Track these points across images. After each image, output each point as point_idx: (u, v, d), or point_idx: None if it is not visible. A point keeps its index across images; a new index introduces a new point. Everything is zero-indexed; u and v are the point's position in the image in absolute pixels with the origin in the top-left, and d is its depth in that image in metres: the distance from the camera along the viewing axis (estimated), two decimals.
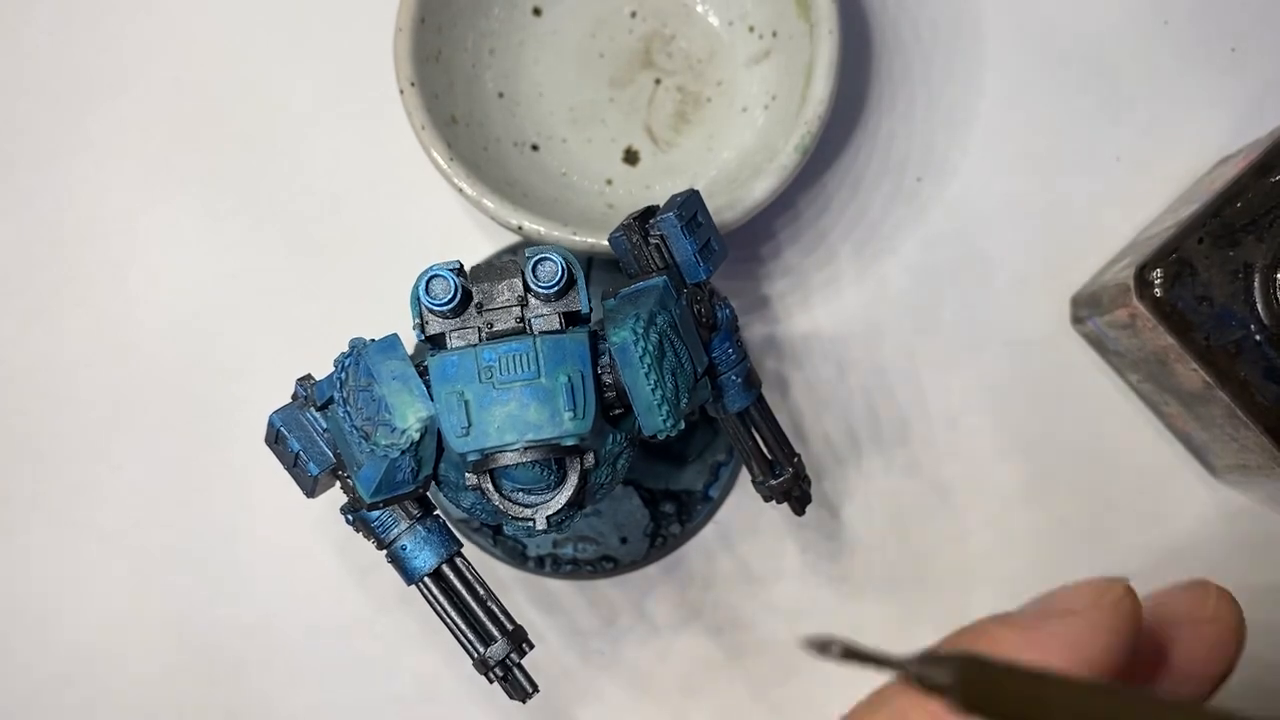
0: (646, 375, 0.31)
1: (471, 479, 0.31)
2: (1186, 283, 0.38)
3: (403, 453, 0.31)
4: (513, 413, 0.30)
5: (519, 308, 0.31)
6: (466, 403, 0.30)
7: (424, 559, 0.33)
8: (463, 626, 0.33)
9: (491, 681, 0.34)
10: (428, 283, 0.31)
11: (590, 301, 0.32)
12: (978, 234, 0.46)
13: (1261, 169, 0.38)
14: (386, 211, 0.47)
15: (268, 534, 0.45)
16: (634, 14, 0.46)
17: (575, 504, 0.31)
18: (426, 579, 0.33)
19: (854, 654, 0.18)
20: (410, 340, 0.37)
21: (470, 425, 0.30)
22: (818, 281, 0.46)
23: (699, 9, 0.46)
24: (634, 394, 0.31)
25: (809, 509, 0.39)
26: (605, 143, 0.45)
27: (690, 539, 0.44)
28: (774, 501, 0.38)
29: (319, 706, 0.45)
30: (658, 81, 0.46)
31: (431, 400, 0.31)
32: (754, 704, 0.44)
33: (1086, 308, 0.43)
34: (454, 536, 0.34)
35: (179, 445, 0.46)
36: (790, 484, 0.37)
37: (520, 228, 0.40)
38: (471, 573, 0.34)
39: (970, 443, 0.45)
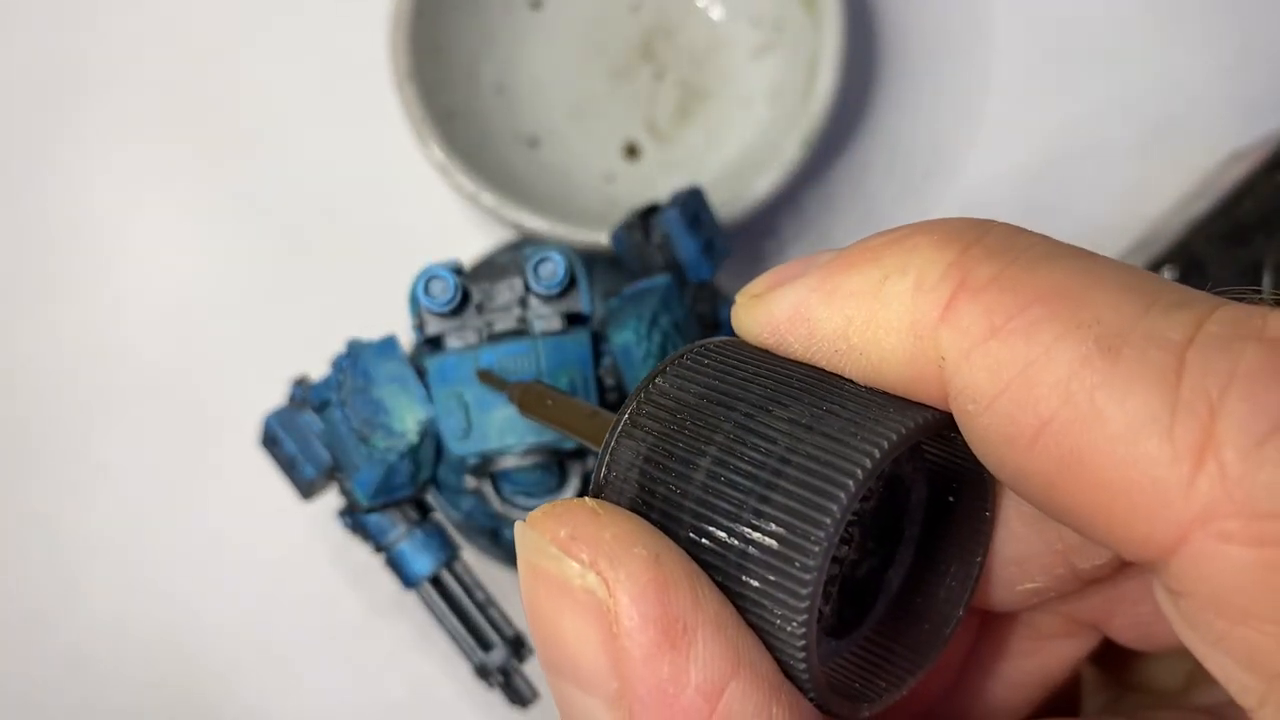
0: None
1: (471, 482, 0.31)
2: (1196, 281, 0.37)
3: (401, 456, 0.30)
4: (513, 415, 0.30)
5: (519, 308, 0.31)
6: (466, 405, 0.30)
7: (422, 563, 0.32)
8: (462, 632, 0.33)
9: (491, 687, 0.33)
10: (427, 283, 0.30)
11: (592, 301, 0.31)
12: None
13: (1272, 166, 0.38)
14: (382, 209, 0.46)
15: (261, 537, 0.44)
16: (634, 6, 0.45)
17: None
18: (425, 584, 0.33)
19: (485, 376, 0.28)
20: (409, 340, 0.36)
21: (470, 427, 0.30)
22: None
23: (699, 3, 0.45)
24: None
25: None
26: (605, 137, 0.45)
27: None
28: None
29: (312, 712, 0.44)
30: (658, 75, 0.45)
31: (430, 402, 0.30)
32: None
33: None
34: (452, 540, 0.33)
35: (170, 447, 0.45)
36: None
37: (519, 224, 0.39)
38: (470, 577, 0.33)
39: None
